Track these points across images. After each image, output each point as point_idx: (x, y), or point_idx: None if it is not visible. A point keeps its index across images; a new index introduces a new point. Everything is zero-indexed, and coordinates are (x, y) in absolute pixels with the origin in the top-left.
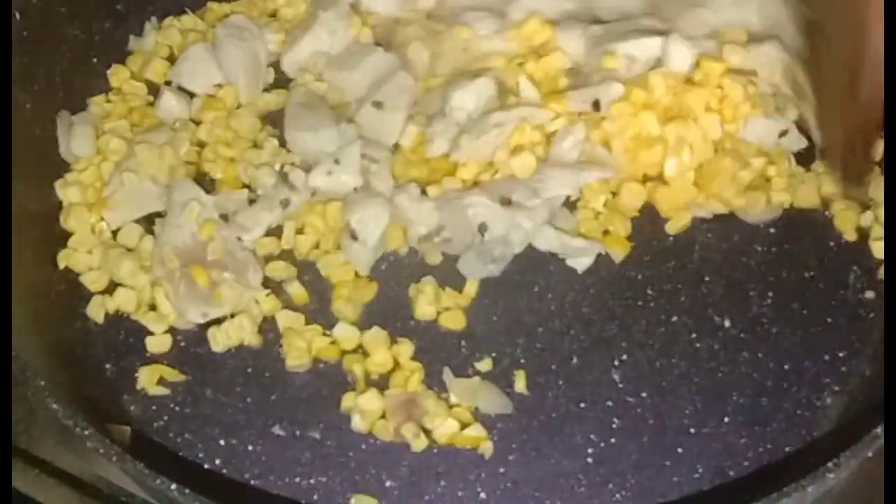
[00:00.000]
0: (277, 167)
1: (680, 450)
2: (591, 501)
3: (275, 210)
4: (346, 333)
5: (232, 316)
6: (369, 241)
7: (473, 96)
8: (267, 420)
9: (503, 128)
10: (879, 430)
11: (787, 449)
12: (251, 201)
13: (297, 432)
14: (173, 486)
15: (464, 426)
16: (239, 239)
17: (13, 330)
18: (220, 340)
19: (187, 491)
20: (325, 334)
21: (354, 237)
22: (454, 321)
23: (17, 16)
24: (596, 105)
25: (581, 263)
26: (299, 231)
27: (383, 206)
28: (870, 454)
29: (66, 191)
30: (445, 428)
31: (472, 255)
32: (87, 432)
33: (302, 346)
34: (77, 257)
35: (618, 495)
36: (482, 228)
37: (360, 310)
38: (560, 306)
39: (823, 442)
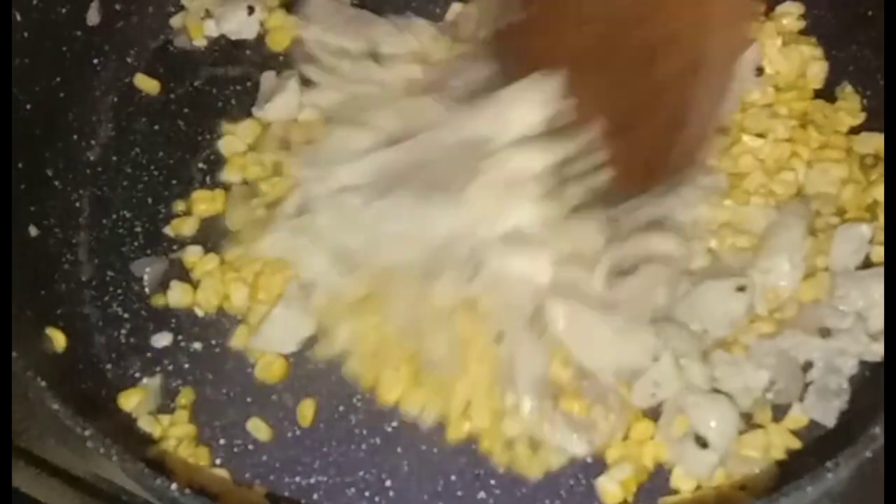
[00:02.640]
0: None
1: None
2: (590, 501)
3: None
4: None
5: None
6: (720, 446)
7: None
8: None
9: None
10: (878, 430)
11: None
12: None
13: (298, 431)
14: (173, 486)
15: None
16: None
17: (12, 330)
18: None
19: (187, 491)
20: None
21: (703, 444)
22: None
23: (18, 16)
24: None
25: None
26: None
27: (728, 404)
28: (869, 454)
29: None
30: None
31: (815, 397)
32: (87, 432)
33: None
34: None
35: None
36: (806, 367)
37: None
38: None
39: (823, 442)
